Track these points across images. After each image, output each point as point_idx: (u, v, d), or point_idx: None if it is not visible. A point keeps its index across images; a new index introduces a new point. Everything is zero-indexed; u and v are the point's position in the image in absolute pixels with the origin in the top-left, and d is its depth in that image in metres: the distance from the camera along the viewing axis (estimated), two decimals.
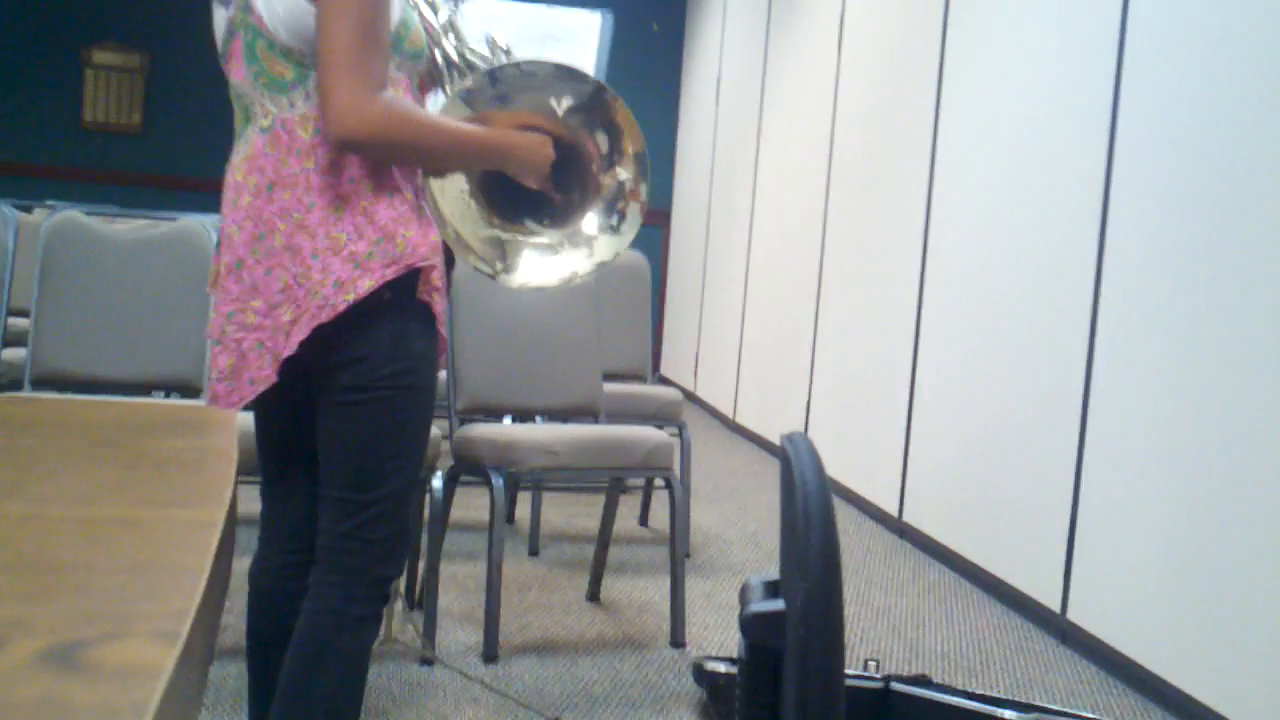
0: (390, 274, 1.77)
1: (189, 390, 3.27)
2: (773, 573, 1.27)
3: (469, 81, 1.92)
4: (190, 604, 0.67)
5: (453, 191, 1.95)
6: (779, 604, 1.14)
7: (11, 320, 3.88)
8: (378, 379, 1.81)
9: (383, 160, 1.80)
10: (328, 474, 1.87)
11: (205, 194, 6.66)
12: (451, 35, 2.03)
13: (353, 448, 1.85)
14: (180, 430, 1.29)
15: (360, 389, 1.82)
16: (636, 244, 4.11)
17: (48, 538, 0.78)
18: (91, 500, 0.88)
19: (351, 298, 1.75)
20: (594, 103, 1.93)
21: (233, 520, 0.91)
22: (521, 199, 1.97)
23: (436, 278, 1.84)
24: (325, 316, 1.75)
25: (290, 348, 1.78)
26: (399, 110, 1.75)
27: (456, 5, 2.16)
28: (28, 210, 5.12)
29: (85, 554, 0.75)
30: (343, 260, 1.76)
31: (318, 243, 1.76)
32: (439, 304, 1.87)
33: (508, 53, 2.04)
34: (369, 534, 1.85)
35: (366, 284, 1.76)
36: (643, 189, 1.97)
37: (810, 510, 1.05)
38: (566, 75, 1.93)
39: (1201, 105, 3.04)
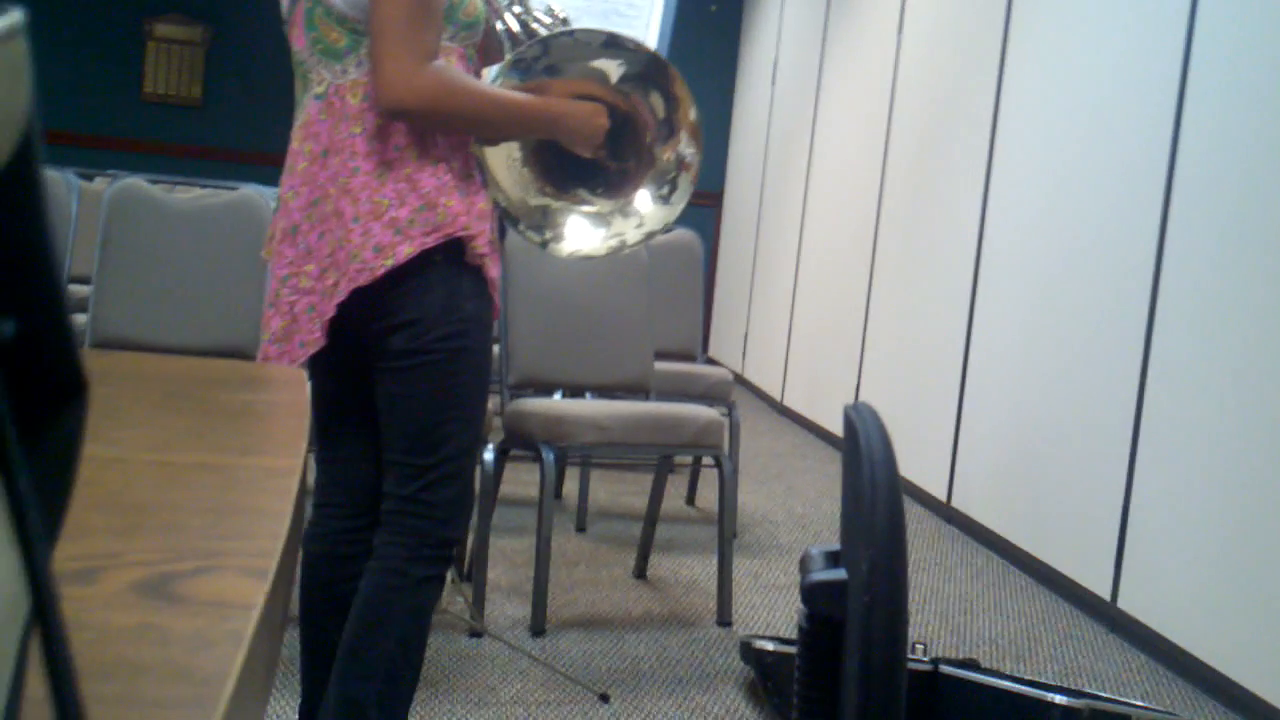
0: (430, 242, 1.79)
1: (245, 357, 3.30)
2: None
3: (522, 50, 1.92)
4: (276, 544, 0.68)
5: (505, 159, 1.96)
6: (841, 573, 1.14)
7: (72, 287, 3.94)
8: (430, 342, 1.83)
9: (432, 129, 1.82)
10: (388, 439, 1.89)
11: (263, 167, 6.71)
12: (517, 6, 2.03)
13: (410, 412, 1.87)
14: (249, 385, 1.30)
15: (413, 353, 1.83)
16: (688, 223, 4.08)
17: (133, 480, 0.79)
18: (171, 446, 0.90)
19: (390, 263, 1.77)
20: (649, 73, 1.93)
21: (305, 470, 0.92)
22: (575, 168, 1.96)
23: (481, 245, 1.85)
24: (363, 280, 1.77)
25: (330, 310, 1.80)
26: (448, 80, 1.77)
27: None
28: (89, 179, 5.18)
29: (170, 495, 0.77)
30: (383, 225, 1.77)
31: (360, 207, 1.78)
32: (491, 268, 1.88)
33: (565, 23, 2.05)
34: (431, 497, 1.87)
35: (405, 250, 1.77)
36: (696, 161, 1.96)
37: (877, 477, 1.05)
38: (620, 45, 1.92)
39: (1270, 96, 2.99)
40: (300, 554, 2.02)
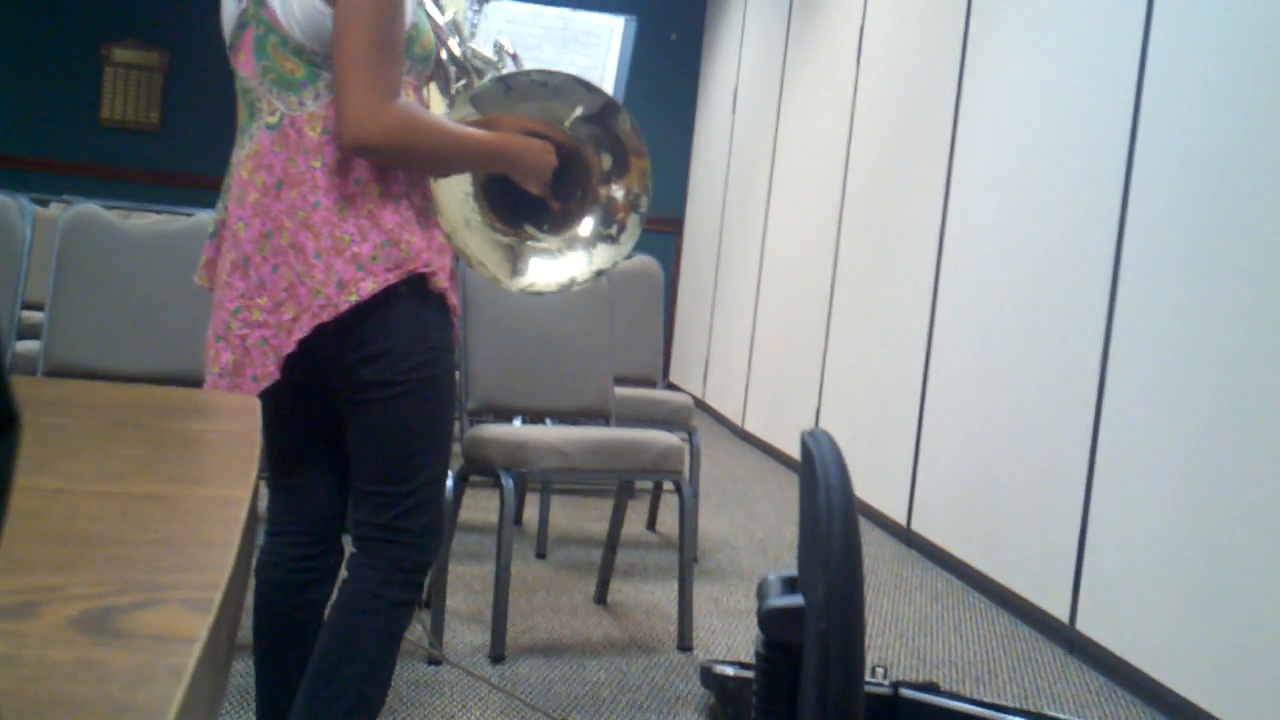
0: (393, 278, 1.79)
1: (201, 384, 3.27)
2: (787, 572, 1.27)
3: (480, 85, 1.92)
4: (221, 576, 0.67)
5: (456, 195, 1.97)
6: (798, 599, 1.14)
7: (25, 314, 3.89)
8: (400, 373, 1.83)
9: (395, 166, 1.81)
10: (361, 469, 1.89)
11: (220, 194, 6.67)
12: (455, 35, 2.04)
13: (383, 442, 1.86)
14: (201, 414, 1.29)
15: (385, 384, 1.83)
16: (649, 250, 4.08)
17: (77, 511, 0.78)
18: (119, 476, 0.89)
19: (354, 299, 1.77)
20: (602, 116, 1.94)
21: (255, 501, 0.91)
22: (521, 203, 1.98)
23: (442, 279, 1.85)
24: (326, 316, 1.77)
25: (290, 345, 1.79)
26: (412, 117, 1.76)
27: (480, 6, 2.17)
28: (44, 204, 5.13)
29: (115, 527, 0.75)
30: (345, 261, 1.77)
31: (321, 242, 1.77)
32: (452, 297, 1.89)
33: (515, 58, 2.06)
34: (408, 524, 1.88)
35: (369, 286, 1.77)
36: (643, 201, 1.98)
37: (833, 504, 1.05)
38: (579, 87, 1.93)
39: (1221, 114, 3.04)
40: (252, 583, 2.00)
